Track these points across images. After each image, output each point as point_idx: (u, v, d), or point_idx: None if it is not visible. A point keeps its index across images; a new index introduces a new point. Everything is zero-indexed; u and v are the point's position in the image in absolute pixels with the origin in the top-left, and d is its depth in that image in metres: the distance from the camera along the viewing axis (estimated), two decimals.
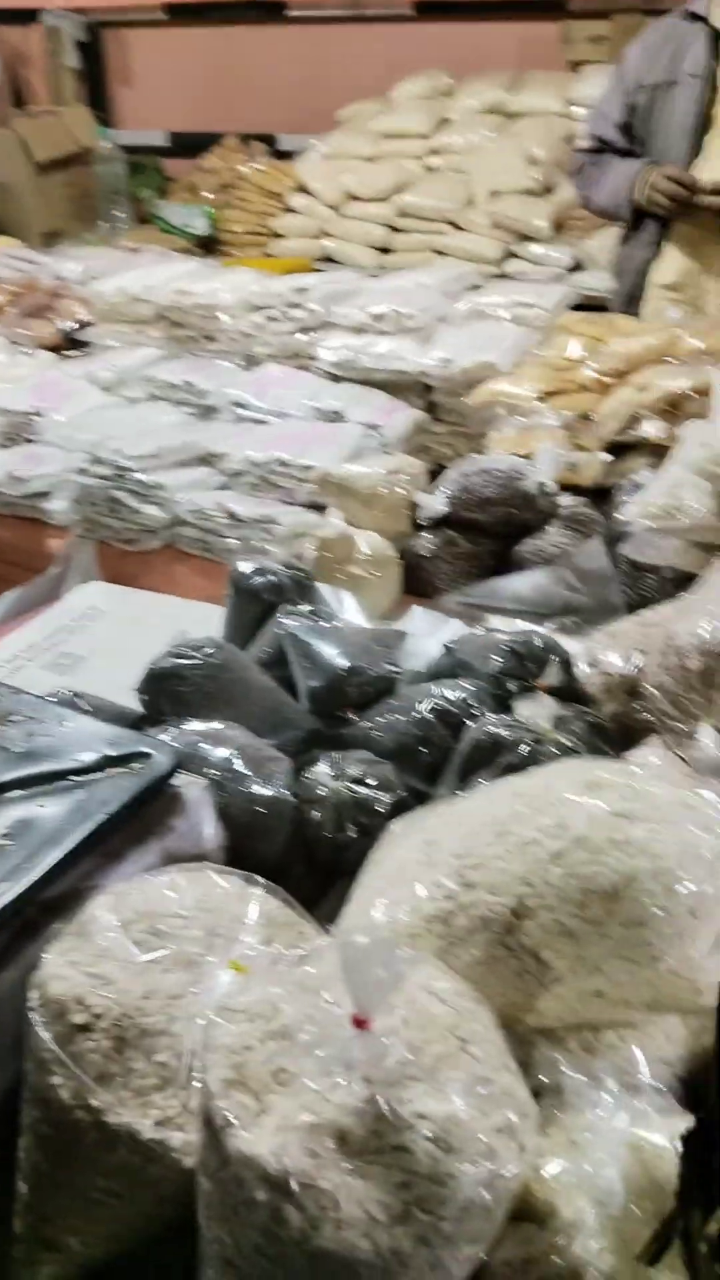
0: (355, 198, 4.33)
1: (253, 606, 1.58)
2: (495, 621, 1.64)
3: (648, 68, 2.54)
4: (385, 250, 4.32)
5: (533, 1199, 0.71)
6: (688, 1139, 0.68)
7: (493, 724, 1.22)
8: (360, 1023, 0.65)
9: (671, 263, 2.60)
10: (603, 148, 2.66)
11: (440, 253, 4.17)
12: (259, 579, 1.59)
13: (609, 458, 2.00)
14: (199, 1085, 0.70)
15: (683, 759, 1.22)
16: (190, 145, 5.18)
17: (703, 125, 2.49)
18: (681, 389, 1.93)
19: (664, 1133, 0.70)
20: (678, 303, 2.56)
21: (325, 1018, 0.67)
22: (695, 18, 2.50)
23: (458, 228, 4.21)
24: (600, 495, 1.98)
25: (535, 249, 4.04)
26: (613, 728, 1.38)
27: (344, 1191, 0.61)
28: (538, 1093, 0.79)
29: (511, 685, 1.36)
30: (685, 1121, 0.71)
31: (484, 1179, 0.63)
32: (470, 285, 2.97)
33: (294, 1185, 0.60)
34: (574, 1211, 0.69)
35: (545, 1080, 0.78)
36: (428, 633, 1.57)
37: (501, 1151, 0.65)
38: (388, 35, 5.07)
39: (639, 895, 0.78)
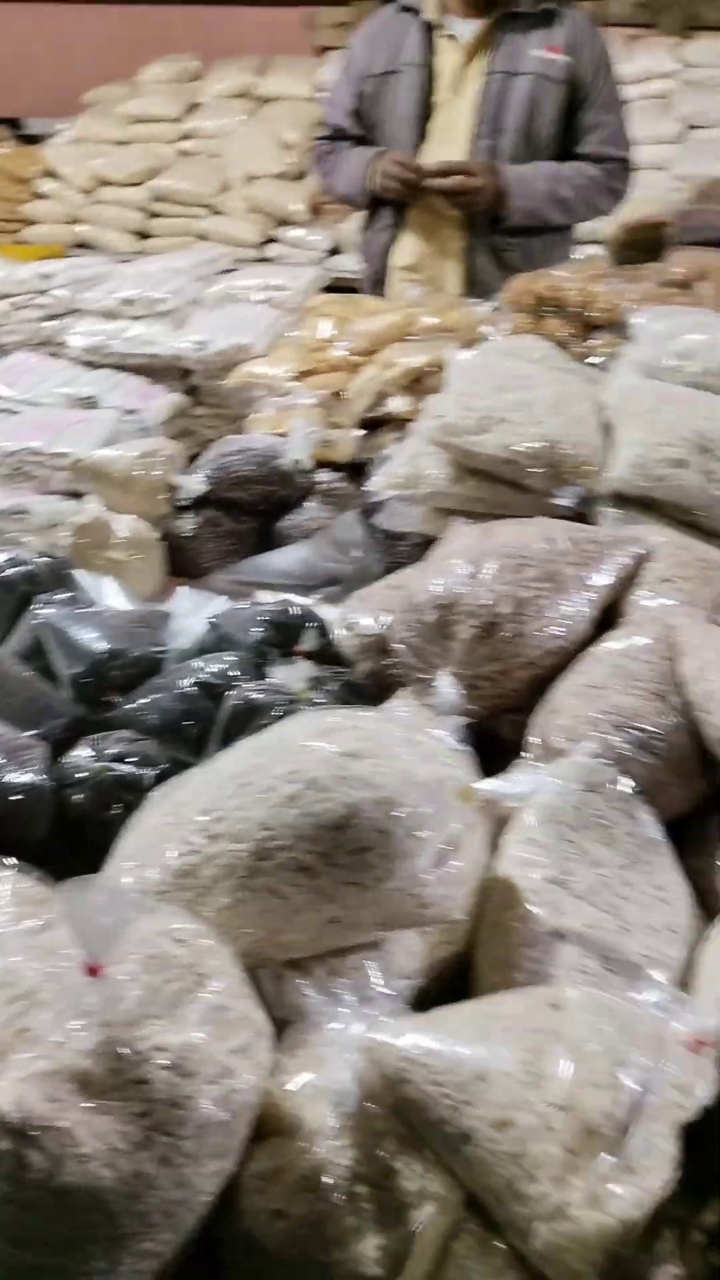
0: (107, 182, 4.25)
1: (8, 598, 1.55)
2: (262, 596, 1.68)
3: (371, 57, 2.62)
4: (144, 236, 4.27)
5: (279, 1114, 0.76)
6: (686, 1129, 0.68)
7: (250, 691, 1.26)
8: (93, 970, 0.68)
9: (408, 245, 2.71)
10: (338, 135, 2.72)
11: (201, 237, 4.17)
12: (12, 570, 1.56)
13: (361, 433, 2.09)
14: None
15: (427, 705, 1.32)
16: None
17: (425, 112, 2.60)
18: (421, 364, 2.04)
19: (392, 1031, 0.77)
20: (418, 283, 2.68)
21: (61, 973, 0.70)
22: (407, 10, 2.61)
23: (215, 212, 4.22)
24: (356, 470, 2.06)
25: (293, 233, 4.11)
26: (370, 685, 1.47)
27: (84, 1128, 0.64)
28: (288, 1020, 0.85)
29: (271, 654, 1.42)
30: (414, 1020, 0.79)
31: (219, 1097, 0.68)
32: (223, 269, 2.99)
33: (33, 1129, 0.62)
34: (315, 1119, 0.75)
35: (294, 1006, 0.84)
36: (193, 612, 1.59)
37: (237, 1069, 0.70)
38: (132, 17, 4.99)
39: (362, 823, 0.85)
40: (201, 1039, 0.70)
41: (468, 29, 2.59)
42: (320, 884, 0.85)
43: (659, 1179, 0.66)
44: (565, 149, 2.67)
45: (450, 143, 2.64)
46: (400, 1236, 0.72)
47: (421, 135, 2.61)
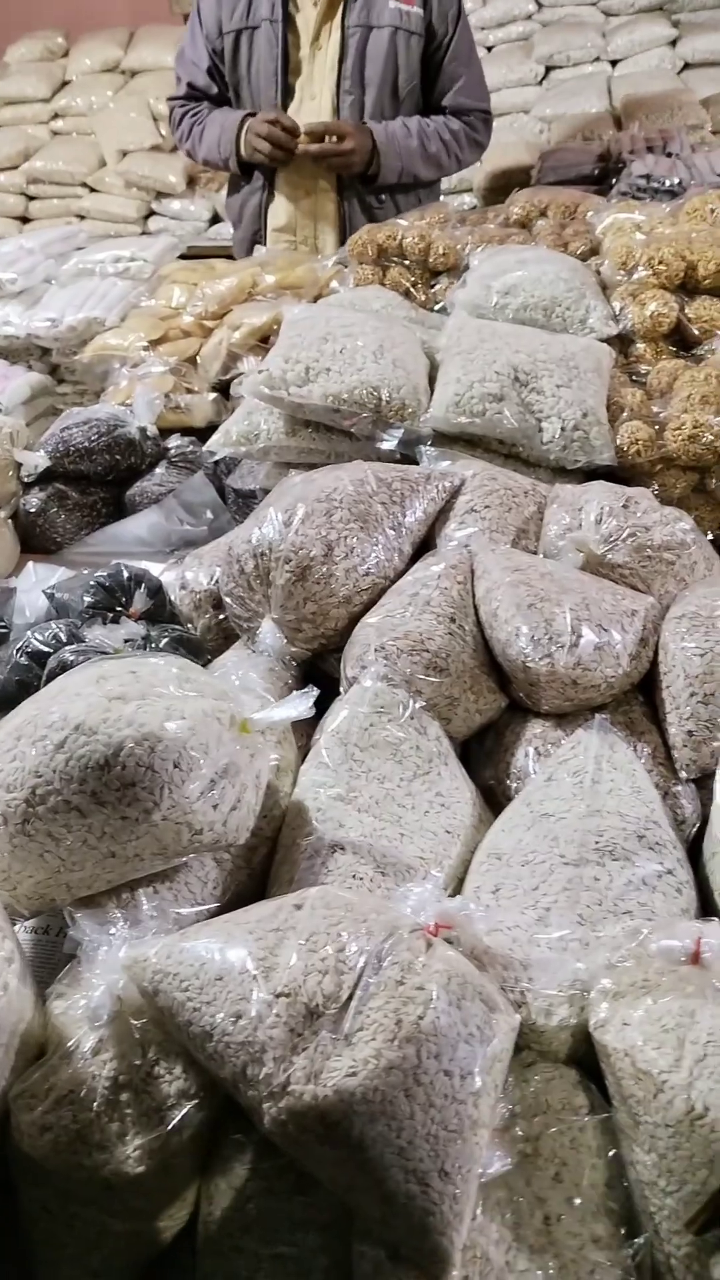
0: None
1: None
2: (114, 564, 1.70)
3: (227, 14, 2.58)
4: (26, 220, 4.22)
5: (45, 1038, 0.80)
6: None
7: (66, 653, 1.29)
8: None
9: (281, 206, 2.71)
10: (194, 95, 2.69)
11: (81, 216, 4.12)
12: None
13: (214, 396, 2.10)
14: None
15: (253, 651, 1.36)
16: None
17: (286, 68, 2.57)
18: (266, 323, 2.06)
19: (147, 948, 0.81)
20: (294, 244, 2.69)
21: None
22: None
23: (93, 190, 4.17)
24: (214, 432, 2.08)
25: (173, 204, 4.08)
26: (210, 639, 1.50)
27: None
28: (72, 956, 0.88)
29: (103, 617, 1.44)
30: (170, 937, 0.83)
31: None
32: (77, 246, 2.97)
33: None
34: (75, 1036, 0.79)
35: (77, 938, 0.88)
36: (36, 586, 1.61)
37: None
38: None
39: (126, 760, 0.89)
40: None
41: None
42: (91, 822, 0.89)
43: (372, 1049, 0.71)
44: (425, 101, 2.68)
45: (313, 98, 2.62)
46: (160, 1135, 0.76)
47: (285, 92, 2.59)
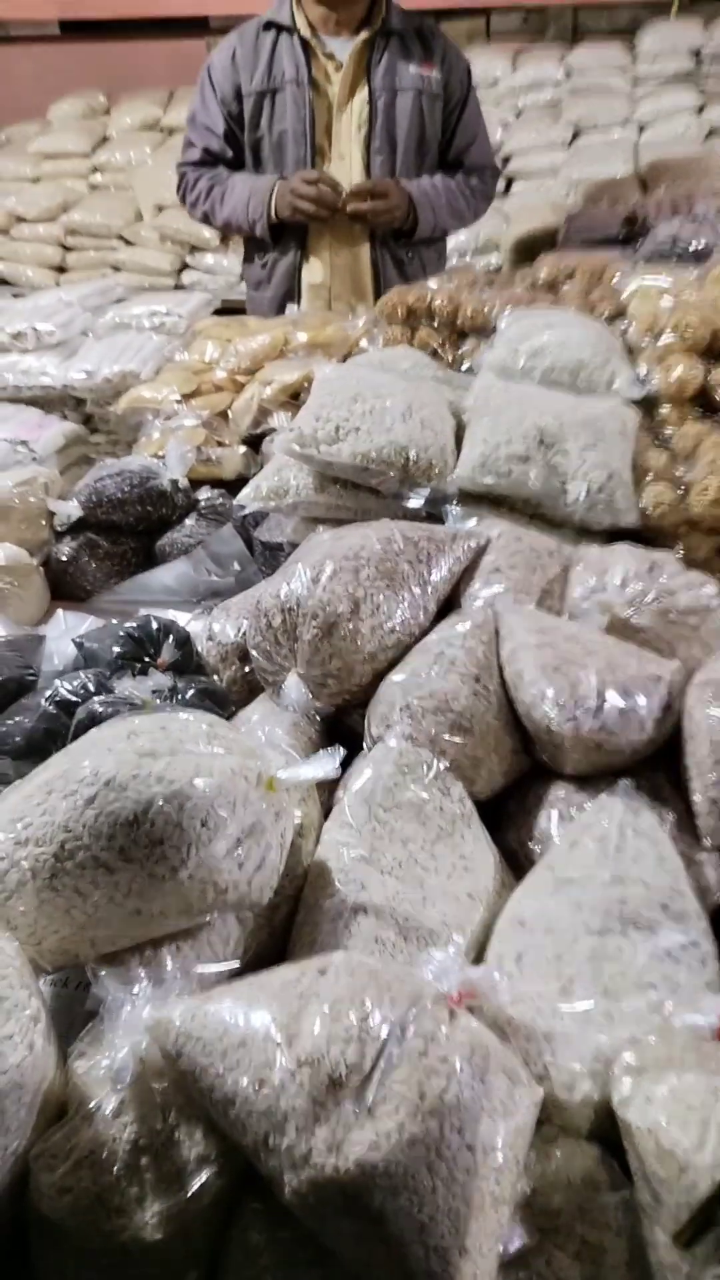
0: (22, 219, 4.32)
1: None
2: (142, 614, 1.73)
3: (246, 78, 2.66)
4: (62, 269, 4.34)
5: (67, 1097, 0.80)
6: None
7: (95, 704, 1.31)
8: None
9: (317, 264, 2.78)
10: (209, 159, 2.75)
11: (116, 268, 4.24)
12: None
13: (244, 450, 2.14)
14: None
15: (281, 706, 1.37)
16: None
17: (313, 127, 2.66)
18: (297, 380, 2.10)
19: (171, 1010, 0.82)
20: (328, 300, 2.75)
21: None
22: (275, 27, 2.65)
23: (129, 243, 4.29)
24: (244, 485, 2.12)
25: (206, 259, 4.19)
26: (235, 692, 1.52)
27: None
28: (92, 1012, 0.89)
29: (132, 668, 1.46)
30: (194, 998, 0.83)
31: None
32: (116, 299, 3.04)
33: None
34: (97, 1098, 0.79)
35: (99, 997, 0.88)
36: (66, 634, 1.64)
37: (7, 1054, 0.74)
38: (36, 55, 5.06)
39: (155, 818, 0.90)
40: None
41: (343, 47, 2.67)
42: (118, 879, 0.90)
43: (394, 1123, 0.71)
44: (440, 158, 2.78)
45: (341, 158, 2.73)
46: (179, 1201, 0.76)
47: (313, 150, 2.67)
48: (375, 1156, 0.70)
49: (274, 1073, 0.74)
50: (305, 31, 2.65)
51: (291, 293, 2.83)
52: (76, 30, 4.92)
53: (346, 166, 2.73)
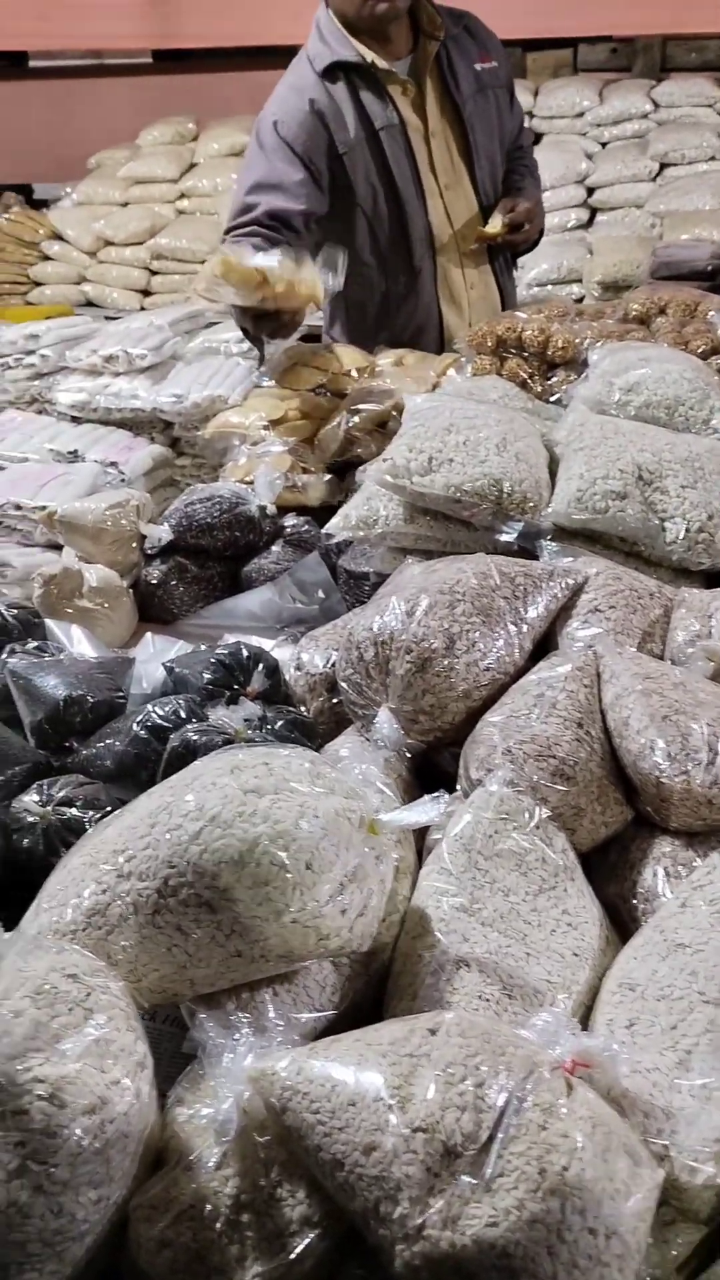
0: (110, 243, 4.41)
1: None
2: (228, 639, 1.73)
3: (338, 127, 2.45)
4: (147, 293, 4.42)
5: (169, 1145, 0.79)
6: None
7: (189, 732, 1.30)
8: None
9: (452, 300, 2.72)
10: (272, 224, 2.37)
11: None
12: None
13: (329, 477, 2.14)
14: None
15: (370, 741, 1.35)
16: None
17: (415, 165, 2.53)
18: (384, 409, 2.10)
19: (276, 1061, 0.80)
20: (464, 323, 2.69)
21: None
22: (342, 68, 2.44)
23: None
24: (330, 513, 2.11)
25: None
26: (322, 722, 1.51)
27: None
28: (193, 1055, 0.87)
29: (222, 695, 1.46)
30: (299, 1050, 0.81)
31: (93, 1127, 0.71)
32: (206, 323, 3.08)
33: None
34: (200, 1149, 0.77)
35: (198, 1041, 0.87)
36: (155, 657, 1.64)
37: (114, 1100, 0.73)
38: (129, 84, 5.19)
39: (260, 858, 0.88)
40: (80, 1071, 0.73)
41: (403, 68, 2.54)
42: (221, 919, 0.88)
43: (514, 1199, 0.67)
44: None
45: (449, 188, 2.62)
46: (281, 1264, 0.74)
47: (421, 191, 2.55)
48: (493, 1234, 0.67)
49: (386, 1137, 0.71)
50: (382, 64, 2.45)
51: (423, 329, 2.62)
52: (168, 59, 5.04)
53: (464, 193, 2.62)
